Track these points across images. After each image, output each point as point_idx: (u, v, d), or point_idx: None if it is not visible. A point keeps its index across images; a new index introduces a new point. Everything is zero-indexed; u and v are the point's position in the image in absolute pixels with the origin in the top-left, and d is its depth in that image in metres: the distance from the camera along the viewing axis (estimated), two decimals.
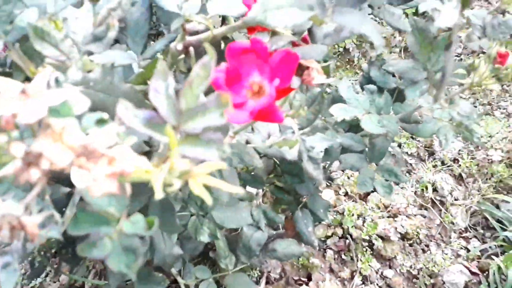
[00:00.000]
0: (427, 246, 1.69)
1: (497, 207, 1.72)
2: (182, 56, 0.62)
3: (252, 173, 1.19)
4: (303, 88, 0.93)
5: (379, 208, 1.76)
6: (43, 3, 0.45)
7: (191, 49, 0.60)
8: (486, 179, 1.82)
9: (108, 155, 0.29)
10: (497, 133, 1.92)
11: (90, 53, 0.40)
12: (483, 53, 0.86)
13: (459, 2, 0.43)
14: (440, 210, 1.76)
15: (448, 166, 1.87)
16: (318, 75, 0.61)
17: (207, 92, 0.57)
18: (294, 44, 0.58)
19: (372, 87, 0.93)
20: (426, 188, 1.80)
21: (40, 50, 0.37)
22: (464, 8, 0.48)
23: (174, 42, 0.60)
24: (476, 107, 2.05)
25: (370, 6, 1.21)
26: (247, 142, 0.78)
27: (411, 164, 1.91)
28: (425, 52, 0.87)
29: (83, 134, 0.30)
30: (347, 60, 2.37)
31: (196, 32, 0.60)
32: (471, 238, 1.70)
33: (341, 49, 2.41)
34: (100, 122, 0.34)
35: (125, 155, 0.28)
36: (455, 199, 1.78)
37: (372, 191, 1.83)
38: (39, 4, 0.44)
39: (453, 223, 1.73)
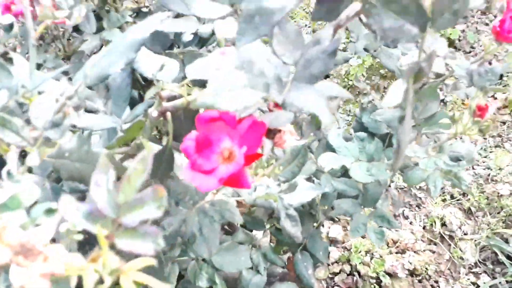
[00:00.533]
0: (436, 282, 1.67)
1: (507, 241, 1.70)
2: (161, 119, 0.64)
3: (253, 215, 1.20)
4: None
5: (387, 243, 1.75)
6: (14, 84, 0.47)
7: (168, 114, 0.62)
8: (496, 213, 1.80)
9: (44, 253, 0.30)
10: (507, 165, 1.91)
11: (48, 139, 0.43)
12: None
13: (405, 82, 0.45)
14: (449, 245, 1.75)
15: (457, 200, 1.86)
16: (290, 137, 0.62)
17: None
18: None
19: (362, 134, 0.94)
20: (435, 222, 1.80)
21: (2, 137, 0.39)
22: (416, 83, 0.49)
23: (151, 108, 0.62)
24: (485, 139, 2.04)
25: (365, 49, 1.23)
26: (237, 194, 0.79)
27: (420, 198, 1.90)
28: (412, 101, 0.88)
29: (24, 230, 0.32)
30: (357, 93, 2.38)
31: (174, 97, 0.62)
32: (480, 274, 1.68)
33: (351, 82, 2.43)
34: (49, 212, 0.36)
35: (59, 254, 0.30)
36: (464, 234, 1.77)
37: (380, 226, 1.83)
38: (10, 86, 0.47)
39: (462, 258, 1.71)
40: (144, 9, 1.13)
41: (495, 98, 2.10)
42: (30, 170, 0.54)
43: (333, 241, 1.76)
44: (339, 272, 1.69)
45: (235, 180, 0.54)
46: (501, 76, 2.21)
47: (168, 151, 0.65)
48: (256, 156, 0.56)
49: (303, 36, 0.50)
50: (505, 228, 1.74)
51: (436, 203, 1.86)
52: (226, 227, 1.25)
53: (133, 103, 1.07)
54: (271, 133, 0.60)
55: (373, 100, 1.04)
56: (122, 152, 0.67)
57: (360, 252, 1.71)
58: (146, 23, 0.56)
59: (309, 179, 1.21)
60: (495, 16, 0.83)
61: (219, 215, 0.69)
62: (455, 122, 0.77)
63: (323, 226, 1.73)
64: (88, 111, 0.94)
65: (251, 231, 1.27)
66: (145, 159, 0.34)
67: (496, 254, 1.69)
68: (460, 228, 1.78)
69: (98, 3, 1.17)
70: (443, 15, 0.44)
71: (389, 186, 1.18)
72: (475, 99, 0.76)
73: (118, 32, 0.93)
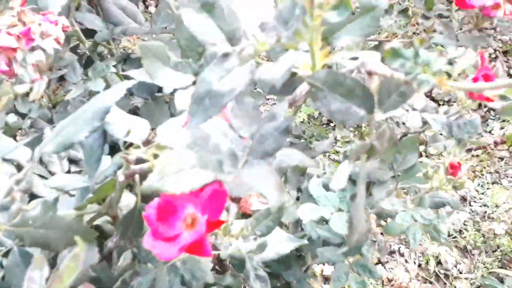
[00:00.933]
0: None
1: (502, 281, 1.69)
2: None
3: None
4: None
5: (382, 282, 1.74)
6: None
7: (137, 176, 0.63)
8: (492, 251, 1.79)
9: None
10: (504, 203, 1.90)
11: None
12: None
13: (350, 164, 0.45)
14: (445, 284, 1.74)
15: (453, 238, 1.85)
16: (256, 200, 0.63)
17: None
18: None
19: None
20: (430, 260, 1.78)
21: None
22: (368, 159, 0.50)
23: (119, 171, 0.62)
24: (483, 175, 2.03)
25: None
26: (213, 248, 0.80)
27: None
28: (391, 153, 0.88)
29: None
30: (355, 126, 2.38)
31: (142, 160, 0.62)
32: None
33: None
34: None
35: None
36: (460, 272, 1.76)
37: (377, 263, 1.83)
38: None
39: None
40: (133, 55, 1.15)
41: (492, 134, 2.10)
42: None
43: (327, 279, 1.75)
44: None
45: (197, 248, 0.55)
46: None
47: (138, 212, 0.65)
48: (218, 223, 0.57)
49: (260, 110, 0.51)
50: (500, 267, 1.73)
51: (430, 241, 1.85)
52: (216, 267, 1.25)
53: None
54: (237, 197, 0.60)
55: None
56: (94, 211, 0.68)
57: None
58: (111, 91, 0.57)
59: (296, 224, 1.21)
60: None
61: (190, 274, 0.69)
62: (428, 178, 0.77)
63: (317, 264, 1.72)
64: (71, 160, 0.95)
65: None
66: (77, 256, 0.34)
67: None
68: (455, 266, 1.77)
69: (89, 47, 1.19)
70: (390, 97, 0.45)
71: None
72: (449, 156, 0.76)
73: (101, 82, 0.95)
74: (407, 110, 0.84)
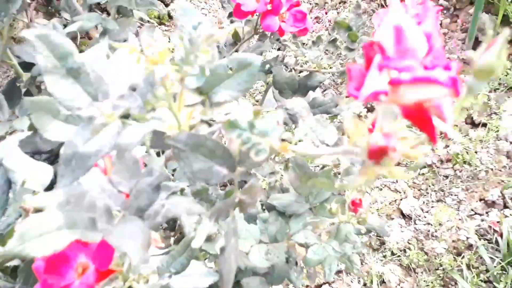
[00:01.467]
0: None
1: None
2: None
3: None
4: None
5: None
6: None
7: None
8: (435, 269, 1.82)
9: None
10: (448, 221, 1.94)
11: None
12: None
13: (210, 221, 0.47)
14: None
15: (397, 256, 1.88)
16: (153, 244, 0.64)
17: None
18: None
19: (264, 215, 0.96)
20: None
21: None
22: (245, 211, 0.52)
23: (19, 219, 0.63)
24: (428, 193, 2.07)
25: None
26: None
27: (363, 254, 1.92)
28: (306, 186, 0.91)
29: None
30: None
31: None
32: None
33: None
34: None
35: None
36: None
37: (324, 283, 1.85)
38: None
39: None
40: None
41: (437, 153, 2.15)
42: None
43: None
44: None
45: None
46: None
47: None
48: (108, 272, 0.58)
49: (140, 165, 0.52)
50: (442, 286, 1.76)
51: (374, 261, 1.88)
52: None
53: None
54: None
55: (281, 177, 1.07)
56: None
57: None
58: (3, 145, 0.58)
59: None
60: None
61: None
62: (333, 214, 0.80)
63: None
64: None
65: None
66: None
67: None
68: (399, 285, 1.80)
69: (27, 80, 1.19)
70: (250, 157, 0.47)
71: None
72: (349, 195, 0.79)
73: (26, 120, 0.95)
74: (318, 146, 0.87)
